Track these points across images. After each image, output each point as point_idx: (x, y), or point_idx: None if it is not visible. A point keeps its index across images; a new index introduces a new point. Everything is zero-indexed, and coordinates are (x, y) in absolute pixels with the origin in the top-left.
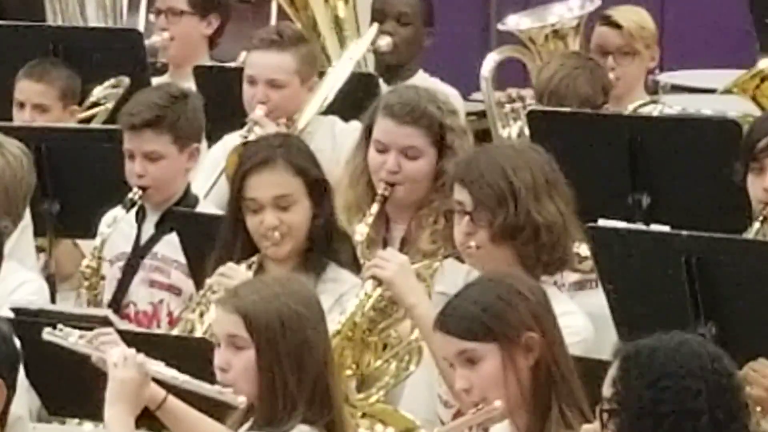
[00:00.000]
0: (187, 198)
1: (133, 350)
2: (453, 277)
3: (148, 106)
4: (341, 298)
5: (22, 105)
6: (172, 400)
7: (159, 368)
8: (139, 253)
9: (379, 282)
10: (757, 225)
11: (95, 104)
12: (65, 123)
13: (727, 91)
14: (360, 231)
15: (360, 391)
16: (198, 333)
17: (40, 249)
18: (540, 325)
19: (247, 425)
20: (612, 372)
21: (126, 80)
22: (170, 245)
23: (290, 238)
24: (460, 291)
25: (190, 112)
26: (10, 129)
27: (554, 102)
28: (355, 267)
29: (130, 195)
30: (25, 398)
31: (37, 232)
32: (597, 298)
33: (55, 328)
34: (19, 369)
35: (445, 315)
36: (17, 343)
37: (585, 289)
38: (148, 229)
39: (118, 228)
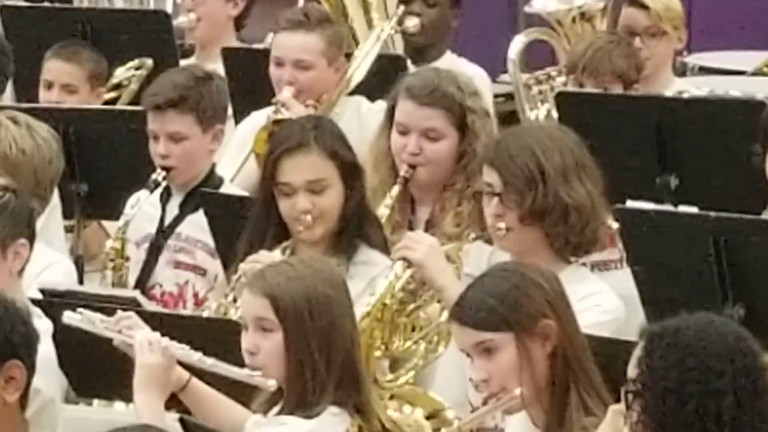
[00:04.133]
0: (212, 179)
1: (157, 334)
2: (477, 258)
3: (172, 86)
4: (373, 281)
5: (50, 85)
6: (195, 383)
7: (185, 351)
8: (164, 234)
9: (408, 263)
10: None
11: (118, 85)
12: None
13: (759, 71)
14: (380, 213)
15: (391, 372)
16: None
17: (68, 230)
18: (555, 312)
19: (276, 408)
20: (637, 353)
21: (149, 62)
22: (195, 225)
23: (323, 221)
24: (474, 282)
25: (214, 93)
26: (37, 111)
27: (587, 75)
28: (386, 249)
29: (154, 176)
30: (57, 379)
31: (66, 214)
32: (622, 279)
33: (75, 311)
34: (38, 350)
35: (460, 306)
36: (50, 324)
37: (609, 269)
38: (173, 210)
39: (143, 209)
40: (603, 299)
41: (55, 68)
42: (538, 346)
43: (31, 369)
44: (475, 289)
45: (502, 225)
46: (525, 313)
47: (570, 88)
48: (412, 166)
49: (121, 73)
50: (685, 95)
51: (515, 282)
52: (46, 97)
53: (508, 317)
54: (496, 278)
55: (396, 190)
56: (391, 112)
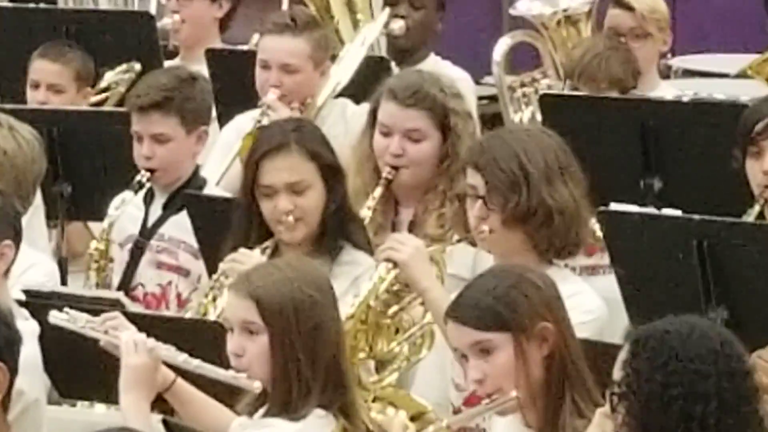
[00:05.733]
0: (195, 180)
1: (143, 335)
2: (462, 258)
3: (156, 87)
4: (356, 280)
5: (36, 85)
6: (181, 384)
7: (170, 353)
8: (147, 234)
9: (393, 264)
10: (757, 208)
11: (107, 89)
12: (79, 105)
13: (742, 74)
14: (363, 215)
15: (377, 374)
16: (211, 317)
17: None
18: (553, 314)
19: (262, 410)
20: (622, 356)
21: (137, 65)
22: (177, 226)
23: (304, 222)
24: (471, 281)
25: (197, 95)
26: (21, 112)
27: (584, 81)
28: (370, 249)
29: (138, 177)
30: (40, 381)
31: (49, 215)
32: (610, 283)
33: (61, 311)
34: (21, 351)
35: (458, 305)
36: (35, 325)
37: (598, 275)
38: (156, 211)
39: (126, 211)
40: (585, 300)
41: (41, 68)
42: (535, 348)
43: (13, 371)
44: (473, 289)
45: (485, 227)
46: (524, 314)
47: (554, 91)
48: (395, 168)
49: (110, 76)
50: (684, 98)
51: (513, 283)
52: (33, 97)
53: (507, 318)
54: (495, 278)
55: (378, 191)
56: (373, 114)
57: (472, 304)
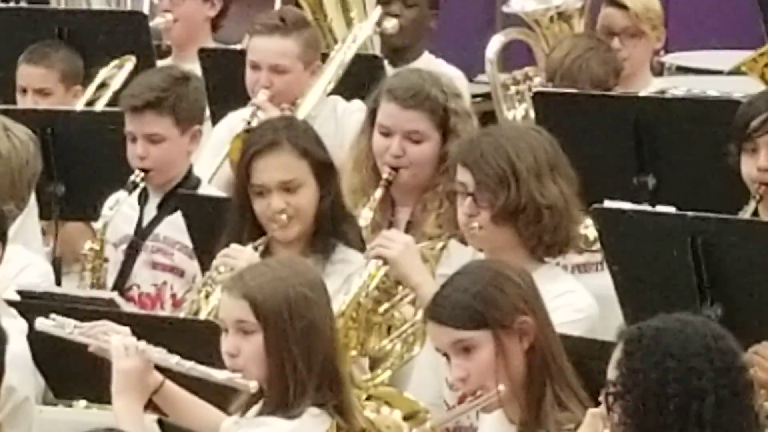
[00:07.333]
0: (190, 180)
1: (133, 338)
2: (459, 259)
3: (150, 87)
4: (349, 278)
5: (24, 90)
6: (169, 385)
7: (163, 355)
8: (142, 235)
9: (383, 261)
10: (752, 205)
11: (102, 85)
12: (69, 105)
13: (736, 70)
14: (365, 216)
15: (370, 372)
16: (203, 314)
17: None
18: (531, 309)
19: (255, 408)
20: (616, 354)
21: (132, 59)
22: (172, 227)
23: (297, 220)
24: (448, 280)
25: (191, 94)
26: (15, 112)
27: (566, 82)
28: (363, 247)
29: (132, 177)
30: (32, 378)
31: (43, 215)
32: (602, 280)
33: (47, 317)
34: (8, 349)
35: (436, 305)
36: (23, 322)
37: (590, 272)
38: (151, 211)
39: (121, 211)
40: (575, 298)
41: (26, 73)
42: (515, 343)
43: (0, 370)
44: (450, 288)
45: (474, 224)
46: (502, 310)
47: (547, 88)
48: (395, 168)
49: (104, 72)
50: (667, 95)
51: (490, 279)
52: (23, 102)
53: (486, 315)
54: (471, 276)
55: (379, 192)
56: (372, 114)
57: (450, 304)
